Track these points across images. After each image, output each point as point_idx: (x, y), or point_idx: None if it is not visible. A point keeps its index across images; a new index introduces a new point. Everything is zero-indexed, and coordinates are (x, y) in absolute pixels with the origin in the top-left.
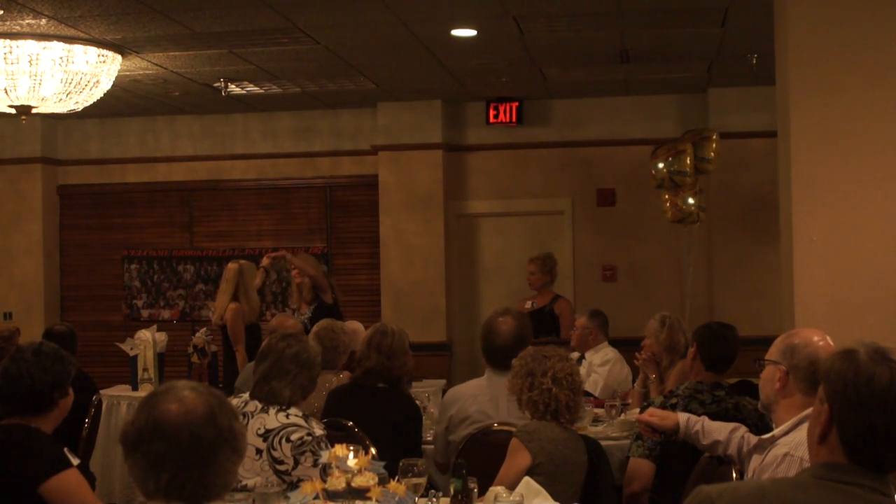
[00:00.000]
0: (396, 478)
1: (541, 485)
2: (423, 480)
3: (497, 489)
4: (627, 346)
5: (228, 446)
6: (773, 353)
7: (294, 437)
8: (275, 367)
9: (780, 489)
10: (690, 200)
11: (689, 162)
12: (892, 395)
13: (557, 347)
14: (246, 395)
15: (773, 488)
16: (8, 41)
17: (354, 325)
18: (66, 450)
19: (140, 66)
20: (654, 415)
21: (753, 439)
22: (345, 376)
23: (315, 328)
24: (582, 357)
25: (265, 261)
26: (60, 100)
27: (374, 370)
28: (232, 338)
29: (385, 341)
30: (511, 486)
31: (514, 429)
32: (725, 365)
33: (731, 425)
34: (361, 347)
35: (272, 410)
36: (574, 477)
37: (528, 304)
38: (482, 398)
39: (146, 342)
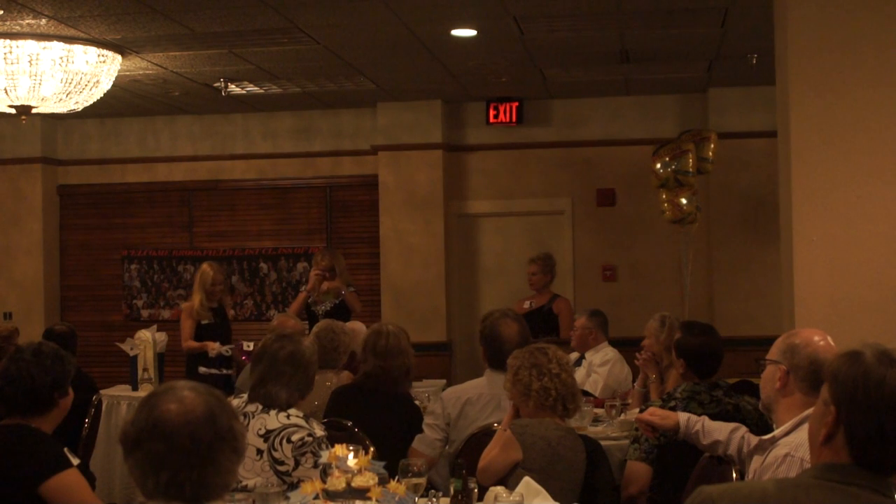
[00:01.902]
0: (396, 478)
1: (535, 482)
2: (423, 480)
3: (497, 489)
4: (627, 346)
5: (228, 446)
6: (773, 352)
7: (295, 437)
8: (270, 370)
9: (781, 490)
10: (683, 201)
11: (692, 162)
12: None
13: (550, 344)
14: (246, 396)
15: (775, 489)
16: (8, 41)
17: (355, 325)
18: (66, 450)
19: (140, 66)
20: (655, 414)
21: (754, 440)
22: (345, 375)
23: (315, 328)
24: (582, 357)
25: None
26: (60, 100)
27: (372, 373)
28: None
29: (380, 342)
30: (498, 475)
31: None
32: (717, 368)
33: (732, 425)
34: (359, 351)
35: (272, 411)
36: (571, 476)
37: (527, 304)
38: (489, 405)
39: (146, 342)
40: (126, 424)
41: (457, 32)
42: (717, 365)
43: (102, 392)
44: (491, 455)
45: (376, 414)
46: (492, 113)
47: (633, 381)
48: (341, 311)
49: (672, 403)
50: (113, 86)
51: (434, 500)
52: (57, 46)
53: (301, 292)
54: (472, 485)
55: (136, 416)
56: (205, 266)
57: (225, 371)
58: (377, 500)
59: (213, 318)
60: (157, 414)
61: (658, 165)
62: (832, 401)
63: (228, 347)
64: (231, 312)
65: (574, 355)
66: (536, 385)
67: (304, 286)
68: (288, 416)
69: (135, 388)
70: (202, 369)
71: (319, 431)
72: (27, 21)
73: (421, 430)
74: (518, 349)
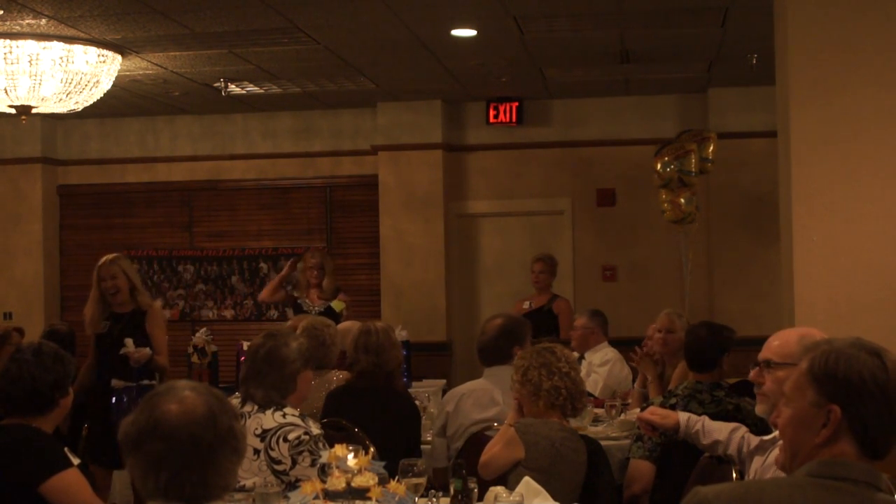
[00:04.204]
0: (396, 478)
1: (536, 482)
2: (423, 480)
3: (497, 489)
4: (627, 346)
5: (228, 447)
6: None
7: (291, 436)
8: (250, 369)
9: (776, 489)
10: (683, 201)
11: (694, 162)
12: None
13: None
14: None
15: (770, 488)
16: (8, 41)
17: (349, 325)
18: (66, 449)
19: (140, 66)
20: (655, 413)
21: (754, 440)
22: (345, 376)
23: (299, 329)
24: (582, 357)
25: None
26: (60, 100)
27: (366, 371)
28: None
29: (371, 340)
30: (499, 471)
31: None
32: (709, 364)
33: (732, 425)
34: (350, 351)
35: (269, 411)
36: (572, 476)
37: (526, 305)
38: (483, 398)
39: None
40: (126, 424)
41: (457, 32)
42: (707, 360)
43: None
44: (493, 451)
45: (373, 412)
46: (492, 113)
47: (633, 381)
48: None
49: (673, 401)
50: (113, 86)
51: (434, 500)
52: (57, 46)
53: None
54: (472, 485)
55: (136, 416)
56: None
57: (146, 382)
58: (377, 500)
59: (113, 326)
60: (158, 414)
61: (660, 165)
62: (830, 400)
63: (134, 350)
64: (161, 315)
65: (574, 355)
66: (547, 384)
67: (289, 285)
68: (284, 416)
69: None
70: (115, 382)
71: (316, 430)
72: (27, 21)
73: (419, 428)
74: (524, 350)
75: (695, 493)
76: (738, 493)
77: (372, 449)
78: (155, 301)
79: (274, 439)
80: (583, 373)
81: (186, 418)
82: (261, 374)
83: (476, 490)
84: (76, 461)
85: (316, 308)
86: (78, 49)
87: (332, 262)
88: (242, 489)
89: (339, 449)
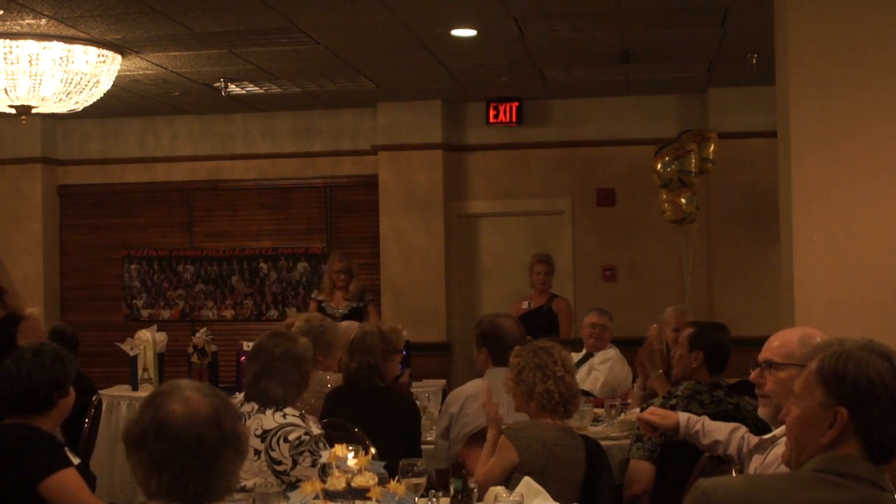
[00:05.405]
0: (396, 478)
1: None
2: (423, 480)
3: (497, 489)
4: (627, 346)
5: (231, 448)
6: None
7: (292, 436)
8: (265, 367)
9: (775, 483)
10: (683, 200)
11: (694, 162)
12: None
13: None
14: (241, 396)
15: (769, 482)
16: (8, 41)
17: (346, 325)
18: (66, 449)
19: (140, 66)
20: (655, 414)
21: (754, 439)
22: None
23: (296, 328)
24: (591, 355)
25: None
26: (60, 100)
27: (347, 371)
28: None
29: (352, 338)
30: (496, 482)
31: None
32: (726, 366)
33: (732, 425)
34: (343, 355)
35: (269, 411)
36: (570, 476)
37: (525, 305)
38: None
39: (146, 342)
40: (130, 423)
41: (457, 32)
42: (727, 364)
43: (102, 392)
44: (488, 465)
45: (374, 411)
46: (492, 113)
47: (633, 380)
48: (357, 316)
49: (673, 402)
50: (113, 86)
51: (434, 500)
52: (57, 46)
53: (311, 301)
54: (472, 485)
55: (139, 415)
56: None
57: None
58: (377, 500)
59: None
60: (163, 414)
61: (660, 165)
62: (838, 402)
63: None
64: (38, 328)
65: (571, 356)
66: (541, 388)
67: (314, 294)
68: (284, 416)
69: (135, 388)
70: None
71: (316, 430)
72: (27, 21)
73: (420, 428)
74: (520, 346)
75: (696, 486)
76: (738, 487)
77: (372, 449)
78: (32, 308)
79: (274, 440)
80: (584, 371)
81: (191, 419)
82: (279, 373)
83: (476, 490)
84: (76, 461)
85: (340, 311)
86: (78, 49)
87: (357, 263)
88: (243, 489)
89: (339, 449)
